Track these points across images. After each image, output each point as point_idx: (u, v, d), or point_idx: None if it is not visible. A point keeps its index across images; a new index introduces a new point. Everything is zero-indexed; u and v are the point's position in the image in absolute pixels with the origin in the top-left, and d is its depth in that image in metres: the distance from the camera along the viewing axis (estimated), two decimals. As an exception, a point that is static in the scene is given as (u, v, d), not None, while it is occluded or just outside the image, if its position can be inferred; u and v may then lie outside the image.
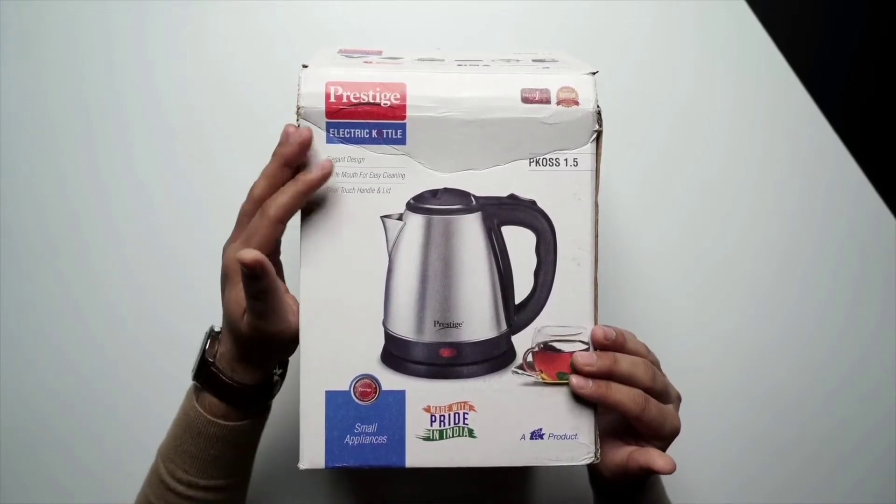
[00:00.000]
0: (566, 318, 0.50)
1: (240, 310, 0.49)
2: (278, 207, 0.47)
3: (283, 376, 0.57)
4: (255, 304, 0.48)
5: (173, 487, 0.54)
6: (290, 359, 0.59)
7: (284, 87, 0.55)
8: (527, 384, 0.50)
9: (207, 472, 0.54)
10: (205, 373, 0.53)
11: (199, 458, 0.54)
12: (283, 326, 0.49)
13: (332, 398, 0.49)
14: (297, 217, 0.48)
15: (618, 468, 0.51)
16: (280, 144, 0.48)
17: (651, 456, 0.49)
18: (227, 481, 0.55)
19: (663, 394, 0.51)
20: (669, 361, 0.55)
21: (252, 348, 0.51)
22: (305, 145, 0.47)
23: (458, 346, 0.50)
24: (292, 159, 0.47)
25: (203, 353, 0.54)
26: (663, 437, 0.50)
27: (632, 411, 0.48)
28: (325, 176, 0.47)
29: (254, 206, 0.49)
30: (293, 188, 0.47)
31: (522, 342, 0.50)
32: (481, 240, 0.50)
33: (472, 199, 0.49)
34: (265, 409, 0.57)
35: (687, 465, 0.50)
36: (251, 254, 0.45)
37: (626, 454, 0.50)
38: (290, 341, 0.50)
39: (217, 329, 0.55)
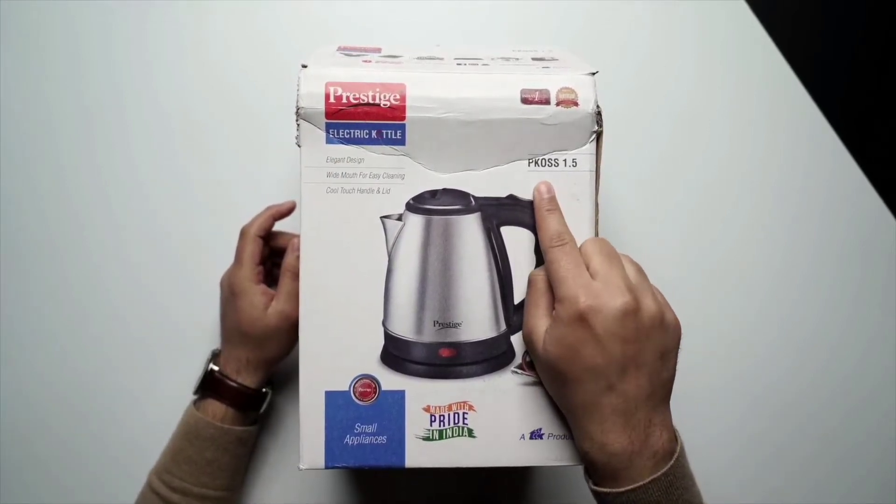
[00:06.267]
0: (565, 319, 0.50)
1: (261, 305, 0.58)
2: (255, 227, 0.60)
3: (268, 393, 0.63)
4: (289, 284, 0.57)
5: (167, 497, 0.57)
6: (290, 359, 0.59)
7: (284, 87, 0.55)
8: (526, 384, 0.50)
9: (201, 479, 0.58)
10: (210, 381, 0.60)
11: (194, 461, 0.58)
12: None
13: (332, 398, 0.49)
14: (296, 218, 0.48)
15: None
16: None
17: None
18: (217, 493, 0.59)
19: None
20: (669, 361, 0.54)
21: (271, 340, 0.59)
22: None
23: (457, 346, 0.50)
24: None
25: (208, 366, 0.61)
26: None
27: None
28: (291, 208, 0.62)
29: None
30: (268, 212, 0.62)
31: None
32: (480, 240, 0.50)
33: (472, 200, 0.49)
34: (256, 421, 0.63)
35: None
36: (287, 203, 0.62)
37: None
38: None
39: (217, 349, 0.63)
